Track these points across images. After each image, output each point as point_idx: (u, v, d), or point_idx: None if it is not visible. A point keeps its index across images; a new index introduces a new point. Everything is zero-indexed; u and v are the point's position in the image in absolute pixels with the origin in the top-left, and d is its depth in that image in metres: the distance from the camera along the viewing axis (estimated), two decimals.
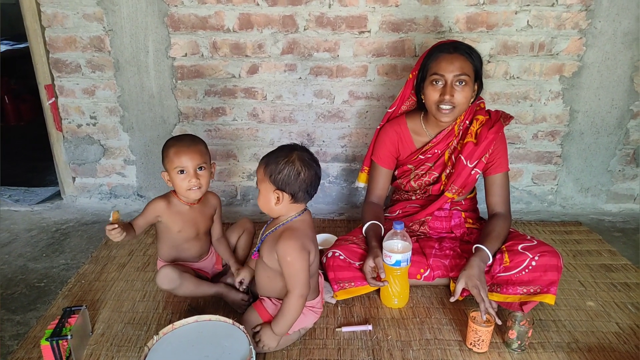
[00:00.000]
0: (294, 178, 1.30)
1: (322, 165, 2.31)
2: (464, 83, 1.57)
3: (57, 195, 2.49)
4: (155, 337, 1.29)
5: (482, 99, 1.78)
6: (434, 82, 1.60)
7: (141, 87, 2.19)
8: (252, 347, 1.24)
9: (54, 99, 2.25)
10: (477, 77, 1.62)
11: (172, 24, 2.07)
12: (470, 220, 1.81)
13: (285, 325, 1.35)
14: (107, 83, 2.19)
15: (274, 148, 1.37)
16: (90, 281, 1.79)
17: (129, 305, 1.65)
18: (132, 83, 2.18)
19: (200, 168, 1.52)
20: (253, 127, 2.26)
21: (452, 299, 1.50)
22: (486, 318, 1.41)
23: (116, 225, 1.43)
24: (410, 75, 1.74)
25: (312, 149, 2.30)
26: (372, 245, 1.62)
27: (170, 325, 1.33)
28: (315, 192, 1.38)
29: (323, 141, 2.28)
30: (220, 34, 2.09)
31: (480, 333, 1.39)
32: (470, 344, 1.42)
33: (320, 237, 1.90)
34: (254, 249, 1.46)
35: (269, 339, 1.37)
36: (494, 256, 1.56)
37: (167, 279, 1.52)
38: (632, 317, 1.57)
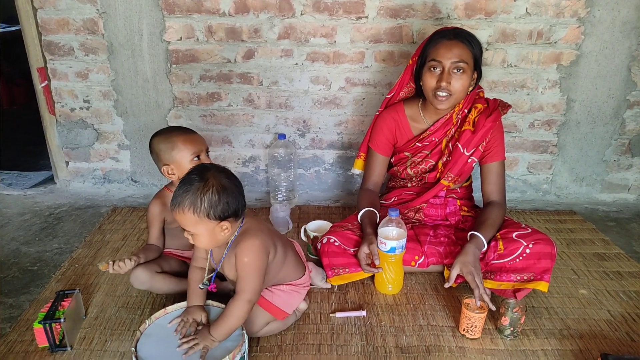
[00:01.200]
0: (233, 197, 1.19)
1: (318, 152, 2.32)
2: (461, 70, 1.56)
3: (51, 179, 2.48)
4: (147, 322, 1.28)
5: (482, 87, 1.76)
6: (432, 69, 1.58)
7: (135, 71, 2.16)
8: (244, 332, 1.24)
9: (46, 82, 2.22)
10: (477, 66, 1.61)
11: (166, 7, 2.04)
12: (466, 208, 1.82)
13: (225, 331, 1.21)
14: (101, 66, 2.16)
15: (182, 182, 1.18)
16: (83, 265, 1.78)
17: (122, 289, 1.65)
18: (126, 67, 2.16)
19: (207, 152, 1.53)
20: (249, 113, 2.24)
21: (447, 285, 1.51)
22: (480, 304, 1.42)
23: (111, 264, 1.41)
24: (410, 61, 1.73)
25: (308, 136, 2.29)
26: (367, 231, 1.62)
27: (163, 309, 1.33)
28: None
29: (319, 128, 2.27)
30: (215, 17, 2.06)
31: (474, 319, 1.40)
32: (463, 330, 1.43)
33: (315, 223, 1.90)
34: (205, 282, 1.32)
35: (205, 340, 1.20)
36: (488, 243, 1.57)
37: (138, 281, 1.50)
38: (624, 305, 1.59)
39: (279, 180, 2.23)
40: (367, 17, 2.04)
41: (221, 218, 1.18)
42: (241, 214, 1.24)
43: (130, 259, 1.44)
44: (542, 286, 1.48)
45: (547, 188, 2.37)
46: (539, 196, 2.38)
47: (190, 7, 2.04)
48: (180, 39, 2.10)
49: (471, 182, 1.89)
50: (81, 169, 2.39)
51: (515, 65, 2.12)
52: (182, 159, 1.47)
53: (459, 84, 1.57)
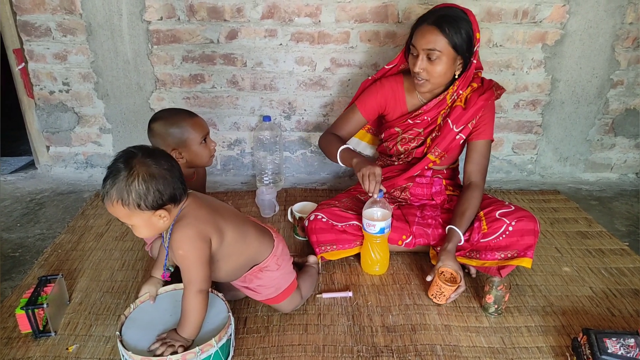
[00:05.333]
0: (166, 184, 1.10)
1: (304, 134, 2.30)
2: (435, 57, 1.54)
3: (32, 164, 2.43)
4: (132, 306, 1.27)
5: (482, 68, 1.74)
6: (411, 52, 1.59)
7: (115, 52, 2.11)
8: (230, 314, 1.23)
9: (23, 64, 2.15)
10: (460, 51, 1.57)
11: None
12: (451, 188, 1.82)
13: (191, 328, 1.16)
14: (80, 48, 2.11)
15: (108, 170, 1.10)
16: (67, 251, 1.76)
17: (107, 274, 1.63)
18: (106, 48, 2.10)
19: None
20: (233, 95, 2.21)
21: (429, 278, 1.51)
22: (452, 276, 1.48)
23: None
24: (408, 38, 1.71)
25: (294, 118, 2.27)
26: (362, 158, 1.58)
27: (147, 293, 1.32)
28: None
29: (304, 110, 2.25)
30: None
31: (443, 289, 1.45)
32: (432, 295, 1.48)
33: (301, 204, 1.89)
34: (163, 269, 1.28)
35: (178, 342, 1.14)
36: (471, 225, 1.59)
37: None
38: (605, 282, 1.61)
39: (264, 163, 2.21)
40: None
41: (155, 207, 1.10)
42: (180, 198, 1.15)
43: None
44: (526, 262, 1.50)
45: (532, 168, 2.39)
46: (524, 176, 2.40)
47: None
48: (161, 18, 2.05)
49: (458, 165, 1.89)
50: (62, 153, 2.34)
51: (500, 45, 2.11)
52: (192, 142, 1.48)
53: (432, 69, 1.56)
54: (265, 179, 2.22)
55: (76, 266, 1.67)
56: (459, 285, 1.44)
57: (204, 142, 1.50)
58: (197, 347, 1.11)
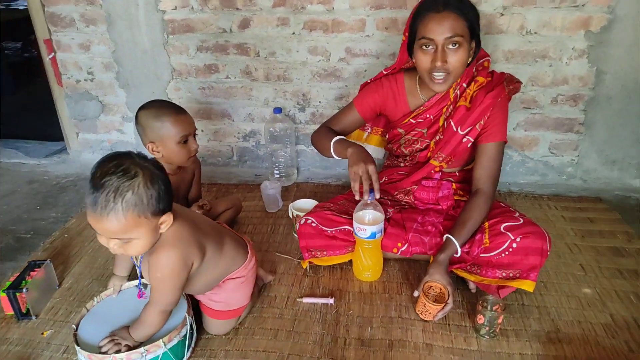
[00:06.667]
0: (167, 183, 1.01)
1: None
2: (457, 45, 1.37)
3: (65, 150, 2.55)
4: (95, 299, 1.28)
5: (488, 56, 1.57)
6: (424, 47, 1.41)
7: (134, 42, 2.14)
8: (186, 314, 1.19)
9: (53, 53, 2.25)
10: (474, 35, 1.42)
11: None
12: (461, 192, 1.65)
13: (143, 335, 1.13)
14: (101, 38, 2.16)
15: (90, 176, 0.96)
16: (72, 235, 1.82)
17: (101, 261, 1.66)
18: (125, 38, 2.14)
19: (195, 134, 1.49)
20: (247, 86, 2.17)
21: (416, 294, 1.38)
22: (440, 292, 1.34)
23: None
24: (403, 38, 1.56)
25: (308, 110, 2.19)
26: (358, 147, 1.46)
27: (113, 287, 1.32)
28: None
29: (319, 102, 2.15)
30: None
31: (428, 307, 1.31)
32: (418, 311, 1.36)
33: (302, 202, 1.82)
34: (138, 285, 1.25)
35: (126, 340, 1.13)
36: (473, 236, 1.43)
37: None
38: (631, 309, 1.39)
39: (275, 156, 2.15)
40: None
41: (162, 211, 1.00)
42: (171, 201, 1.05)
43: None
44: (527, 285, 1.32)
45: (572, 171, 2.12)
46: (562, 180, 2.14)
47: None
48: (175, 8, 2.04)
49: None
50: (90, 140, 2.43)
51: (535, 33, 1.88)
52: (170, 139, 1.45)
53: (455, 60, 1.39)
54: (276, 172, 2.17)
55: (76, 251, 1.72)
56: (446, 303, 1.30)
57: (184, 142, 1.46)
58: (142, 347, 1.09)
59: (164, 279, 1.07)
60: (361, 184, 1.39)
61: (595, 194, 2.06)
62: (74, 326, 1.17)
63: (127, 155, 0.99)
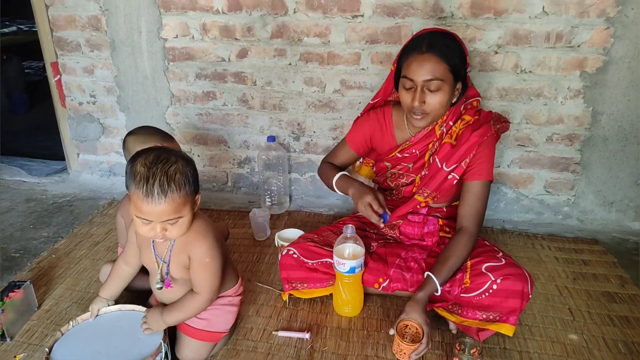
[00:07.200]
0: (195, 171, 1.14)
1: (313, 157, 2.22)
2: (435, 87, 1.39)
3: (66, 169, 2.59)
4: (71, 323, 1.27)
5: (479, 95, 1.57)
6: (405, 85, 1.43)
7: (135, 68, 2.19)
8: (162, 341, 1.18)
9: (59, 76, 2.32)
10: (459, 77, 1.42)
11: (162, 4, 2.04)
12: (447, 229, 1.63)
13: (178, 320, 1.24)
14: (105, 62, 2.22)
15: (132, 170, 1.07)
16: (59, 256, 1.83)
17: (83, 284, 1.67)
18: (127, 63, 2.19)
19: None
20: (243, 113, 2.19)
21: (391, 332, 1.34)
22: (415, 332, 1.30)
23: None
24: (393, 67, 1.58)
25: (302, 140, 2.20)
26: (359, 183, 1.56)
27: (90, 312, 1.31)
28: None
29: (314, 132, 2.16)
30: (209, 15, 2.03)
31: (402, 347, 1.27)
32: (394, 350, 1.32)
33: (288, 231, 1.81)
34: (158, 282, 1.23)
35: (156, 324, 1.22)
36: (454, 275, 1.40)
37: (103, 276, 1.50)
38: (619, 358, 1.33)
39: (268, 184, 2.16)
40: (362, 15, 1.90)
41: (197, 191, 1.14)
42: None
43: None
44: (507, 329, 1.28)
45: (569, 211, 2.08)
46: (559, 220, 2.10)
47: (185, 5, 2.02)
48: (177, 36, 2.10)
49: None
50: (89, 161, 2.47)
51: (529, 71, 1.87)
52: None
53: (434, 102, 1.41)
54: (267, 200, 2.17)
55: (61, 273, 1.73)
56: (420, 343, 1.27)
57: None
58: None
59: (212, 263, 1.18)
60: (374, 210, 1.47)
61: (592, 235, 2.01)
62: (46, 349, 1.16)
63: (157, 148, 1.12)
